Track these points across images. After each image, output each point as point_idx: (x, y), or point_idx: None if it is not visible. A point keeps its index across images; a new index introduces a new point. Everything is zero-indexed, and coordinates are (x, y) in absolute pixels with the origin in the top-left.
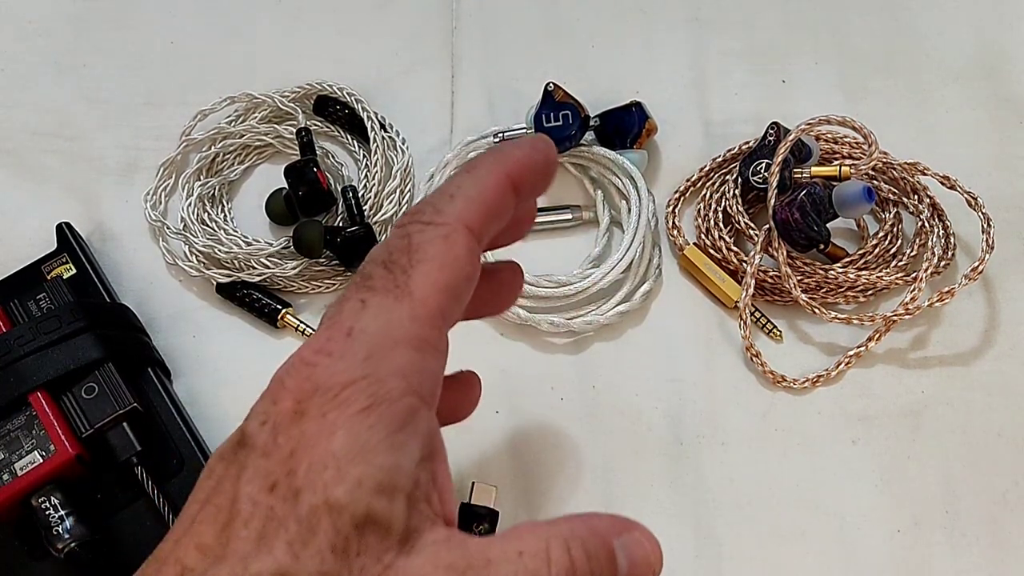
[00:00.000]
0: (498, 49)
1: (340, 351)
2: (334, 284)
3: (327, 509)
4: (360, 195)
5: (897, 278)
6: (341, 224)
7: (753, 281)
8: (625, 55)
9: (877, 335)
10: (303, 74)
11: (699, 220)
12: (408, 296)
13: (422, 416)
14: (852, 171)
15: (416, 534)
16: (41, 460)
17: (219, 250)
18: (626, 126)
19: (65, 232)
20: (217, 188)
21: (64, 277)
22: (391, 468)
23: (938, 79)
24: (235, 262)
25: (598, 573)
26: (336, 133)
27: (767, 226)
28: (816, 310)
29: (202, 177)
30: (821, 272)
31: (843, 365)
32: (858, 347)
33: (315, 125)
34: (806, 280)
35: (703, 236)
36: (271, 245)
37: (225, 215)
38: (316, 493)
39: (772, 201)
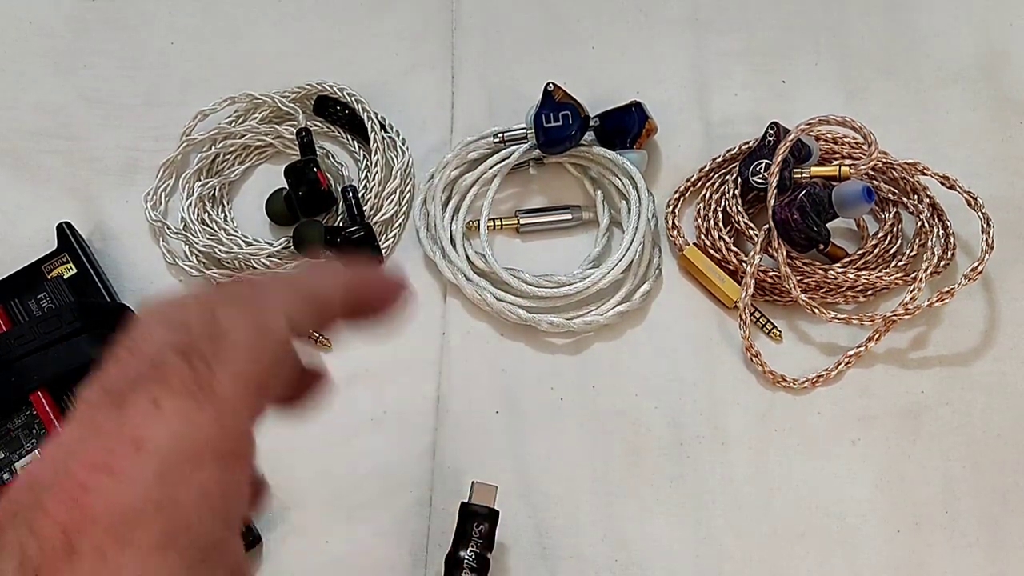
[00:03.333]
0: (498, 50)
1: (126, 470)
2: None
3: None
4: (360, 195)
5: (897, 278)
6: (341, 224)
7: (753, 281)
8: (625, 55)
9: (877, 335)
10: (303, 74)
11: (699, 220)
12: (211, 398)
13: (229, 545)
14: (852, 171)
15: None
16: None
17: (219, 250)
18: (626, 126)
19: (65, 232)
20: (217, 188)
21: (64, 277)
22: None
23: (938, 79)
24: (235, 262)
25: None
26: (336, 133)
27: (767, 226)
28: (816, 310)
29: (202, 177)
30: (821, 272)
31: (843, 365)
32: (858, 347)
33: (315, 125)
34: (806, 280)
35: (703, 236)
36: (271, 245)
37: (225, 215)
38: None
39: (772, 201)
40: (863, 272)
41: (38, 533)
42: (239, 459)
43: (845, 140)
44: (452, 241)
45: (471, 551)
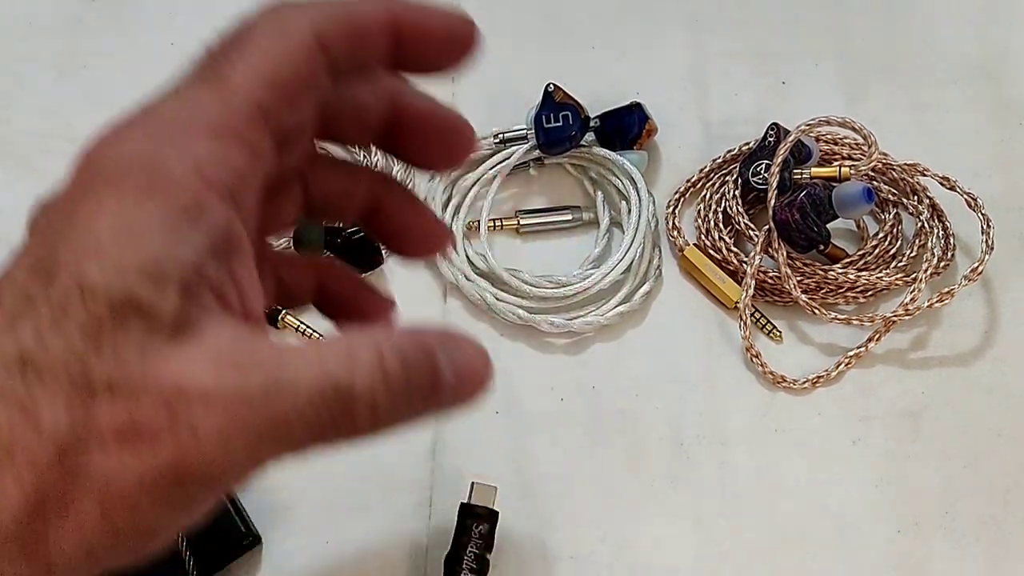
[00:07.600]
0: (498, 50)
1: (130, 130)
2: None
3: (80, 291)
4: None
5: (897, 279)
6: (341, 224)
7: (753, 282)
8: (625, 56)
9: (877, 336)
10: None
11: (699, 221)
12: (222, 83)
13: (214, 208)
14: (852, 172)
15: (194, 326)
16: None
17: None
18: (626, 127)
19: None
20: None
21: None
22: (161, 254)
23: (938, 80)
24: None
25: (417, 382)
26: None
27: (767, 227)
28: (816, 311)
29: None
30: (821, 273)
31: (843, 366)
32: (858, 348)
33: None
34: (806, 281)
35: (703, 237)
36: (270, 245)
37: None
38: (71, 275)
39: (772, 202)
40: (863, 273)
41: (67, 179)
42: (238, 139)
43: (845, 141)
44: (452, 241)
45: (471, 551)
